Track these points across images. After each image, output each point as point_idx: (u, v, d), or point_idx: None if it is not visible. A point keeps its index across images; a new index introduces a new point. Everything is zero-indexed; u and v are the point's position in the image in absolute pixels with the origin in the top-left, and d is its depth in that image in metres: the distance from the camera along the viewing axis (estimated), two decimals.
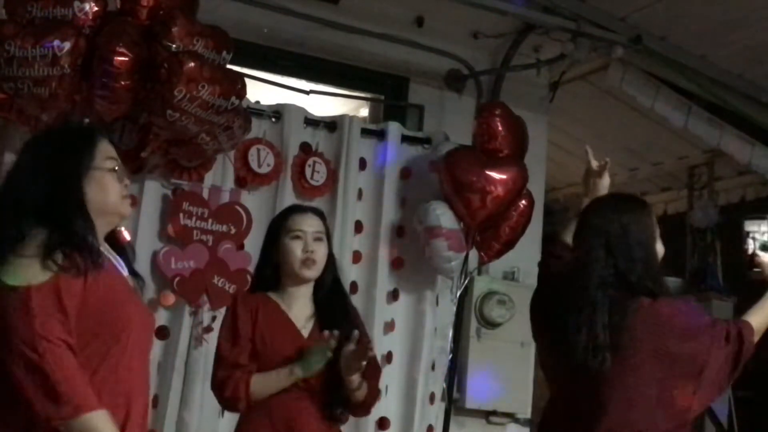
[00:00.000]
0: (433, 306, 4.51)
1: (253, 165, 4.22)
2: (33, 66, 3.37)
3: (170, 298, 4.01)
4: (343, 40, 4.69)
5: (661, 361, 2.54)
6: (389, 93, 5.03)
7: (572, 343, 2.55)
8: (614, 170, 3.08)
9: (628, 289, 2.58)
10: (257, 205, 4.26)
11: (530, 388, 4.91)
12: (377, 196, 4.50)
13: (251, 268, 4.02)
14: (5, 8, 3.58)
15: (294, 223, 3.02)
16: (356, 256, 4.42)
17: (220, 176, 4.20)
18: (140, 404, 2.20)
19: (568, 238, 2.89)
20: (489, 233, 4.43)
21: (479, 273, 4.81)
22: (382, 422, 4.31)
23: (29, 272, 2.03)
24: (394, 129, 4.58)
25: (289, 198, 4.28)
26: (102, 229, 2.23)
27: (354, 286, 4.34)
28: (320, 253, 3.00)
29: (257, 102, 4.40)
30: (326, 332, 2.83)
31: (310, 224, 3.03)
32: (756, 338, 2.65)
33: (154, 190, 4.08)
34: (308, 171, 4.33)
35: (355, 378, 2.86)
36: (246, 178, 4.23)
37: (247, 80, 3.86)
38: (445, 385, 4.52)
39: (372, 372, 2.99)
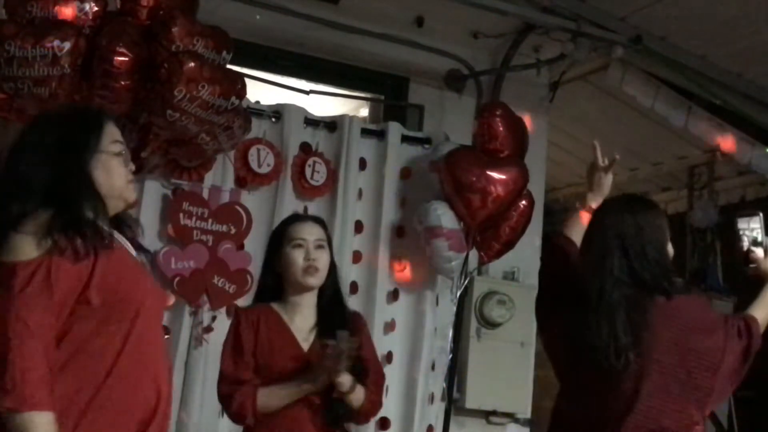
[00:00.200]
0: (433, 306, 4.51)
1: (253, 165, 4.21)
2: (33, 66, 3.37)
3: (170, 298, 4.01)
4: (343, 40, 4.69)
5: (682, 356, 2.56)
6: (389, 93, 5.03)
7: (593, 343, 2.56)
8: (614, 170, 3.08)
9: (642, 288, 2.60)
10: (257, 205, 4.26)
11: (530, 388, 4.90)
12: (377, 196, 4.50)
13: (251, 268, 4.04)
14: (5, 8, 3.57)
15: (295, 232, 3.02)
16: (356, 256, 4.42)
17: (220, 176, 4.20)
18: (166, 376, 2.21)
19: (571, 233, 2.90)
20: (489, 233, 4.43)
21: (479, 273, 4.81)
22: (383, 422, 4.31)
23: (20, 248, 2.01)
24: (394, 129, 4.58)
25: (289, 198, 4.28)
26: (109, 212, 2.20)
27: (354, 286, 4.34)
28: (322, 260, 3.00)
29: (257, 102, 4.40)
30: (320, 345, 2.84)
31: (311, 232, 3.03)
32: (762, 331, 2.69)
33: (154, 190, 4.08)
34: (308, 171, 4.33)
35: (345, 381, 2.85)
36: (246, 178, 4.23)
37: (247, 80, 3.86)
38: (445, 385, 4.52)
39: (373, 378, 2.99)
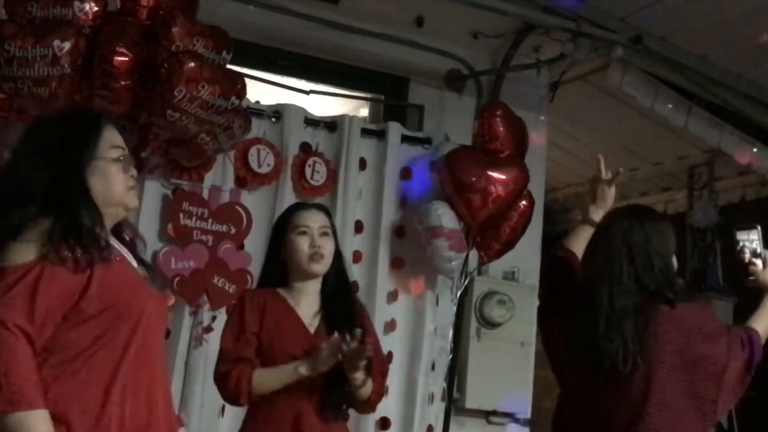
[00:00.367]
0: (433, 306, 4.51)
1: (253, 165, 4.22)
2: (33, 66, 3.37)
3: (170, 299, 4.01)
4: (343, 40, 4.69)
5: (687, 364, 2.57)
6: (389, 93, 5.03)
7: (601, 349, 2.56)
8: (617, 182, 3.08)
9: (646, 297, 2.62)
10: (257, 205, 4.26)
11: (530, 388, 4.91)
12: (377, 196, 4.50)
13: (251, 268, 4.04)
14: (5, 8, 3.57)
15: (300, 219, 3.02)
16: (356, 256, 4.42)
17: (220, 176, 4.21)
18: (164, 388, 2.17)
19: (573, 246, 2.90)
20: (489, 233, 4.44)
21: (479, 273, 4.80)
22: (383, 422, 4.31)
23: (16, 255, 1.98)
24: (394, 129, 4.58)
25: (289, 198, 4.28)
26: (108, 220, 2.17)
27: (354, 286, 4.33)
28: (327, 247, 3.00)
29: (257, 102, 4.40)
30: (336, 335, 2.81)
31: (315, 219, 3.03)
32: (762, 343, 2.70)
33: (154, 190, 4.08)
34: (308, 171, 4.33)
35: (359, 375, 2.86)
36: (246, 178, 4.23)
37: (247, 80, 3.87)
38: (445, 385, 4.52)
39: (379, 368, 2.99)
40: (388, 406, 4.30)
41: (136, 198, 2.26)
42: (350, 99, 5.09)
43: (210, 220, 4.10)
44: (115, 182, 2.17)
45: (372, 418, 4.15)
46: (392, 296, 4.47)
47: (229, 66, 3.77)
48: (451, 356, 4.55)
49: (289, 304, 2.97)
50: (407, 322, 4.48)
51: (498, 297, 4.81)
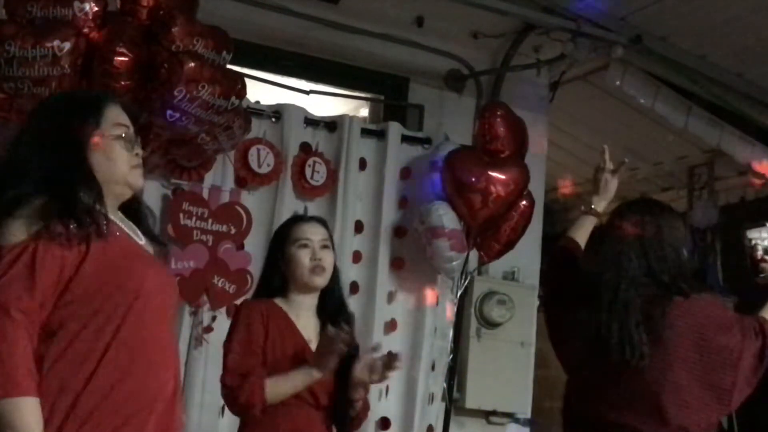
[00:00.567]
0: (433, 306, 4.51)
1: (253, 165, 4.22)
2: (33, 66, 3.36)
3: None
4: (343, 40, 4.69)
5: (701, 354, 2.59)
6: (389, 93, 5.03)
7: (605, 340, 2.57)
8: (621, 174, 3.09)
9: (660, 289, 2.62)
10: (257, 205, 4.26)
11: (530, 388, 4.90)
12: (377, 196, 4.50)
13: (251, 268, 4.04)
14: (5, 8, 3.57)
15: (300, 232, 3.02)
16: (356, 256, 4.42)
17: (220, 176, 4.21)
18: (169, 371, 2.10)
19: (576, 236, 2.90)
20: (489, 233, 4.44)
21: (479, 273, 4.80)
22: (383, 422, 4.32)
23: (10, 232, 1.96)
24: (394, 129, 4.58)
25: (289, 198, 4.28)
26: (112, 199, 2.14)
27: (354, 286, 4.34)
28: (328, 260, 3.01)
29: (257, 102, 4.40)
30: (330, 327, 2.82)
31: (315, 232, 3.03)
32: None
33: (154, 190, 4.07)
34: (308, 171, 4.33)
35: (362, 393, 2.89)
36: (246, 178, 4.23)
37: (247, 80, 3.86)
38: (445, 385, 4.52)
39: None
40: (388, 406, 4.30)
41: (141, 177, 2.22)
42: (350, 99, 5.08)
43: (210, 220, 4.10)
44: (117, 160, 2.15)
45: (372, 418, 4.15)
46: (392, 296, 4.47)
47: (229, 66, 3.76)
48: (451, 356, 4.55)
49: (289, 318, 2.95)
50: (407, 322, 4.48)
51: (498, 297, 4.81)
